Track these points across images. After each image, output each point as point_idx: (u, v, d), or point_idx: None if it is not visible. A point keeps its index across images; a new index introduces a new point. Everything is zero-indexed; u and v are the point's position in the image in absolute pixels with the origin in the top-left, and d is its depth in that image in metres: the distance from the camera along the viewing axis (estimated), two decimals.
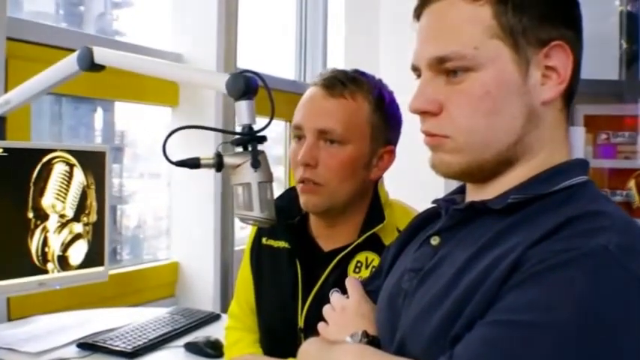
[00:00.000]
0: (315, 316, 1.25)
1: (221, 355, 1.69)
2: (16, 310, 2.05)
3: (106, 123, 2.95)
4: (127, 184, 2.98)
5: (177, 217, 2.76)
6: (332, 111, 1.38)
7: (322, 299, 1.29)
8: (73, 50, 1.66)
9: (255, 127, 1.38)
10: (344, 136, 1.36)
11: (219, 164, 1.33)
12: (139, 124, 2.98)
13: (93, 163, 2.02)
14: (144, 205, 3.03)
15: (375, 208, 1.43)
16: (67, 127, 2.73)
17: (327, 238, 1.46)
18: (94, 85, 2.00)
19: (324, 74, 1.44)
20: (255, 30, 3.13)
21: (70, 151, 1.95)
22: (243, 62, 2.79)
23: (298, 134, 1.41)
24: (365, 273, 1.35)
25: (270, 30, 3.47)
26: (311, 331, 1.25)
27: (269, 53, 3.41)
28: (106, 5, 2.99)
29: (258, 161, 1.29)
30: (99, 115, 2.90)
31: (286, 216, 1.46)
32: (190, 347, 1.74)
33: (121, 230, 2.97)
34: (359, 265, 1.39)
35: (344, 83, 1.39)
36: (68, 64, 1.56)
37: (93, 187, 2.02)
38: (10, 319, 2.02)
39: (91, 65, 1.53)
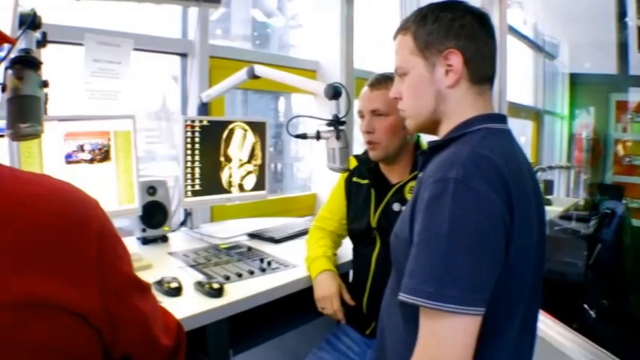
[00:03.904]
0: (382, 220, 1.78)
1: None
2: (216, 216, 2.69)
3: (287, 107, 3.47)
4: (301, 149, 3.58)
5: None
6: (376, 97, 1.76)
7: (387, 210, 1.79)
8: (248, 62, 2.21)
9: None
10: (386, 111, 1.74)
11: (318, 136, 1.89)
12: (310, 108, 3.36)
13: (259, 129, 2.53)
14: (310, 162, 3.51)
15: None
16: (256, 110, 3.30)
17: (392, 174, 1.85)
18: (269, 84, 2.38)
19: (373, 77, 1.82)
20: (366, 36, 3.43)
21: (245, 122, 2.47)
22: (358, 63, 3.21)
23: (361, 115, 1.82)
24: (410, 195, 1.63)
25: (377, 34, 3.63)
26: (379, 229, 1.78)
27: (376, 53, 3.57)
28: (285, 27, 3.48)
29: (340, 135, 1.85)
30: (281, 101, 3.44)
31: (367, 164, 1.88)
32: None
33: (297, 176, 3.58)
34: (411, 189, 1.73)
35: (380, 81, 1.77)
36: (241, 74, 2.13)
37: (259, 143, 2.52)
38: (212, 221, 2.66)
39: (253, 76, 2.09)
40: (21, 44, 1.22)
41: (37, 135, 1.20)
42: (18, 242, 0.62)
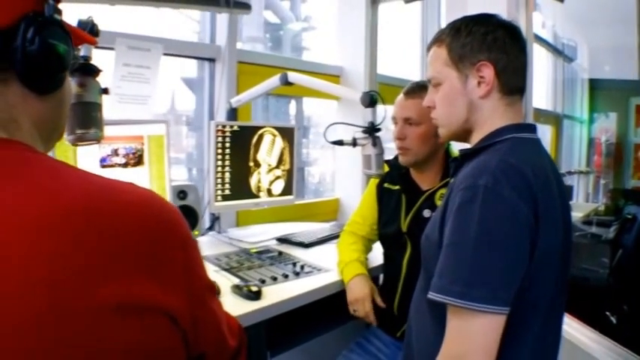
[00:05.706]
0: (413, 226, 1.81)
1: None
2: (242, 221, 2.71)
3: (298, 111, 3.43)
4: (312, 152, 3.53)
5: (339, 171, 3.32)
6: (410, 106, 1.80)
7: (418, 216, 1.82)
8: (274, 67, 2.26)
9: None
10: (418, 120, 1.78)
11: (354, 143, 1.93)
12: (320, 111, 3.44)
13: (287, 134, 2.55)
14: (322, 166, 3.52)
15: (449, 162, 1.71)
16: (272, 114, 3.24)
17: (422, 181, 1.89)
18: (292, 88, 2.31)
19: (408, 86, 1.85)
20: (390, 43, 3.44)
21: (274, 127, 2.48)
22: (382, 69, 3.15)
23: (394, 121, 1.87)
24: (440, 202, 1.59)
25: (401, 42, 3.70)
26: (410, 234, 1.81)
27: (400, 60, 3.62)
28: (298, 30, 3.48)
29: (375, 142, 1.89)
30: (292, 105, 3.40)
31: (398, 169, 1.92)
32: None
33: (308, 181, 3.57)
34: (441, 196, 1.76)
35: (415, 90, 1.81)
36: (274, 81, 2.17)
37: (287, 148, 2.56)
38: (237, 225, 2.68)
39: (286, 83, 2.14)
40: (80, 52, 1.25)
41: (98, 140, 1.23)
42: (115, 248, 0.64)
